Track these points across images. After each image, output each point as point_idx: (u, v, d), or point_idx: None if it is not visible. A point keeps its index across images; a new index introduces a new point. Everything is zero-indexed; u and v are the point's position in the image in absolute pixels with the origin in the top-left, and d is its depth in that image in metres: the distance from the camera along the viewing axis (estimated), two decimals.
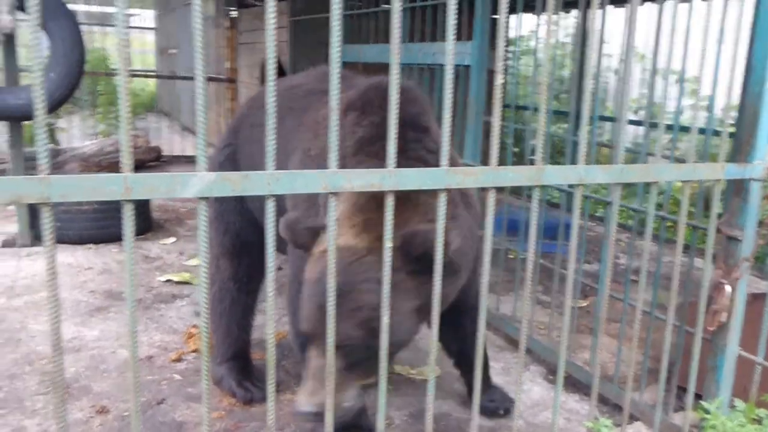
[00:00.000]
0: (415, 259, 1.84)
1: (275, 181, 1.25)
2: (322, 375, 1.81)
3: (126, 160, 1.13)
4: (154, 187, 1.17)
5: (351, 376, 1.94)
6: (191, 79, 9.64)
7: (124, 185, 1.14)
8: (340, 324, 1.65)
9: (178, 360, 3.23)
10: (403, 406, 2.88)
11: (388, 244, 1.44)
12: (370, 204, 1.95)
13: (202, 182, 1.20)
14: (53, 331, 1.15)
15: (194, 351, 3.31)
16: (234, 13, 9.15)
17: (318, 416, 1.84)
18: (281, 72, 3.15)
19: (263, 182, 1.25)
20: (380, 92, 2.08)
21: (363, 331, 1.85)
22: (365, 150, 2.09)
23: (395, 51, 1.33)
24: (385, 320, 1.47)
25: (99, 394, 2.87)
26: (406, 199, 1.90)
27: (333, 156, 1.32)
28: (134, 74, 10.58)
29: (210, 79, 8.69)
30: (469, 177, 1.49)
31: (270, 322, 1.37)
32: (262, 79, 8.09)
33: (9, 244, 4.90)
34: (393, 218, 1.41)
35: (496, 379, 3.08)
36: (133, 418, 1.26)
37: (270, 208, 1.29)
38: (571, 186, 1.91)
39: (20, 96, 4.66)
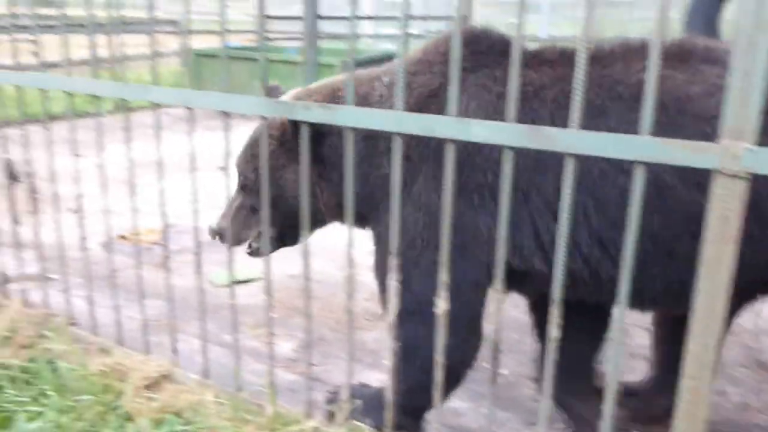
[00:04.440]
0: None
1: None
2: (232, 205, 2.21)
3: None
4: None
5: (256, 218, 2.16)
6: None
7: None
8: (243, 165, 2.17)
9: None
10: None
11: None
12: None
13: None
14: None
15: None
16: None
17: (218, 235, 2.22)
18: None
19: None
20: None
21: (254, 174, 2.12)
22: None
23: None
24: None
25: None
26: None
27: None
28: None
29: None
30: None
31: None
32: None
33: None
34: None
35: None
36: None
37: None
38: None
39: None
